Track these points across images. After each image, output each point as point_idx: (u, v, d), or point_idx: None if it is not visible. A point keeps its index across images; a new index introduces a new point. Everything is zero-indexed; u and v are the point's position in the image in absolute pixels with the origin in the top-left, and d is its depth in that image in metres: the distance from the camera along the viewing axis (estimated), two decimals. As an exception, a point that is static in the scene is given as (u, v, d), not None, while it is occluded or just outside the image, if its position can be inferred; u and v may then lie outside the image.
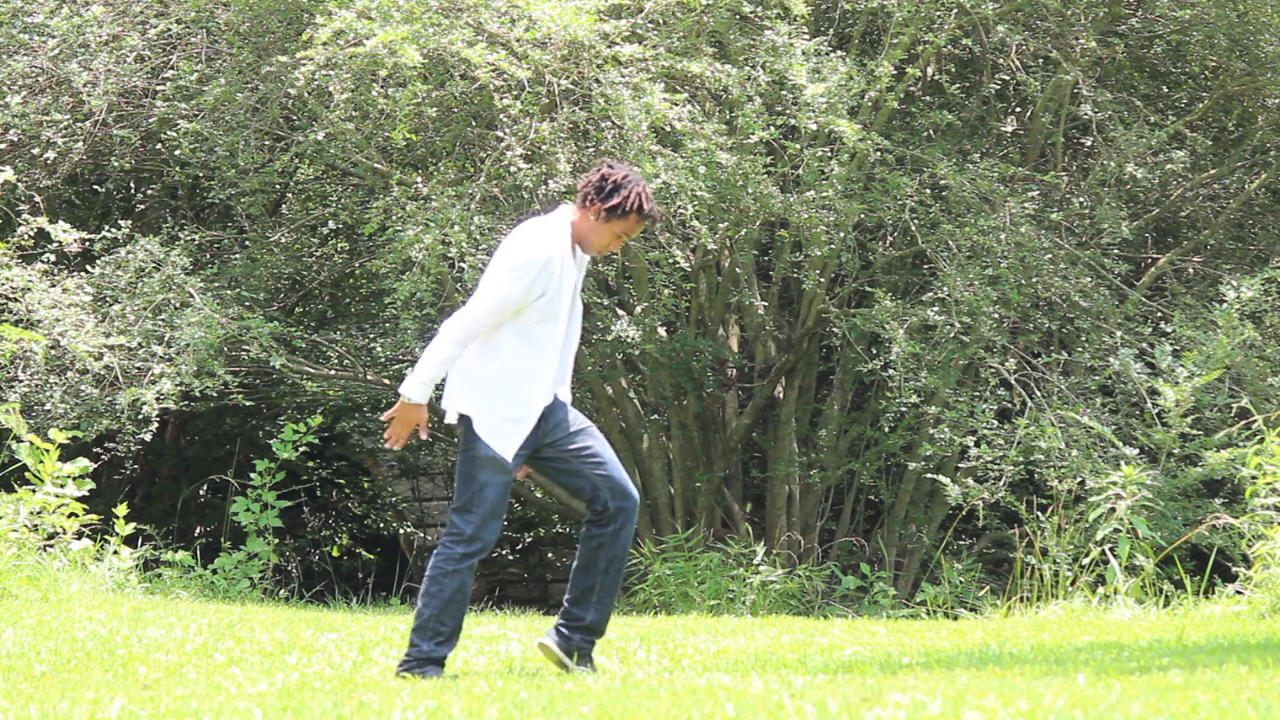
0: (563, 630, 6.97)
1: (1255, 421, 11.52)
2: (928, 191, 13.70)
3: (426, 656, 6.79)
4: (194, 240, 14.36)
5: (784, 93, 12.91)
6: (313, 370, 15.19)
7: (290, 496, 15.07)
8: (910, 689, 5.57)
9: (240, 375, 14.12)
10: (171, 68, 13.79)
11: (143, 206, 16.57)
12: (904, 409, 13.49)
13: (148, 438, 13.63)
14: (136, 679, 6.70)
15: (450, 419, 6.87)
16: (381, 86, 12.61)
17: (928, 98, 14.72)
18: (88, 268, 13.81)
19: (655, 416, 15.07)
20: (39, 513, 11.35)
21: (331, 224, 16.44)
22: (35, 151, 13.93)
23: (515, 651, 8.02)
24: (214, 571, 13.57)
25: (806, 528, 14.82)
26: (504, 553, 19.47)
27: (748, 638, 9.06)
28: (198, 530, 17.91)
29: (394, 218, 12.91)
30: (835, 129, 12.60)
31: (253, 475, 14.03)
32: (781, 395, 14.89)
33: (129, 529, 12.39)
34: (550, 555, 19.84)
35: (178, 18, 13.72)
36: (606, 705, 5.32)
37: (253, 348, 13.56)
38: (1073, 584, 11.22)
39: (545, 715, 5.22)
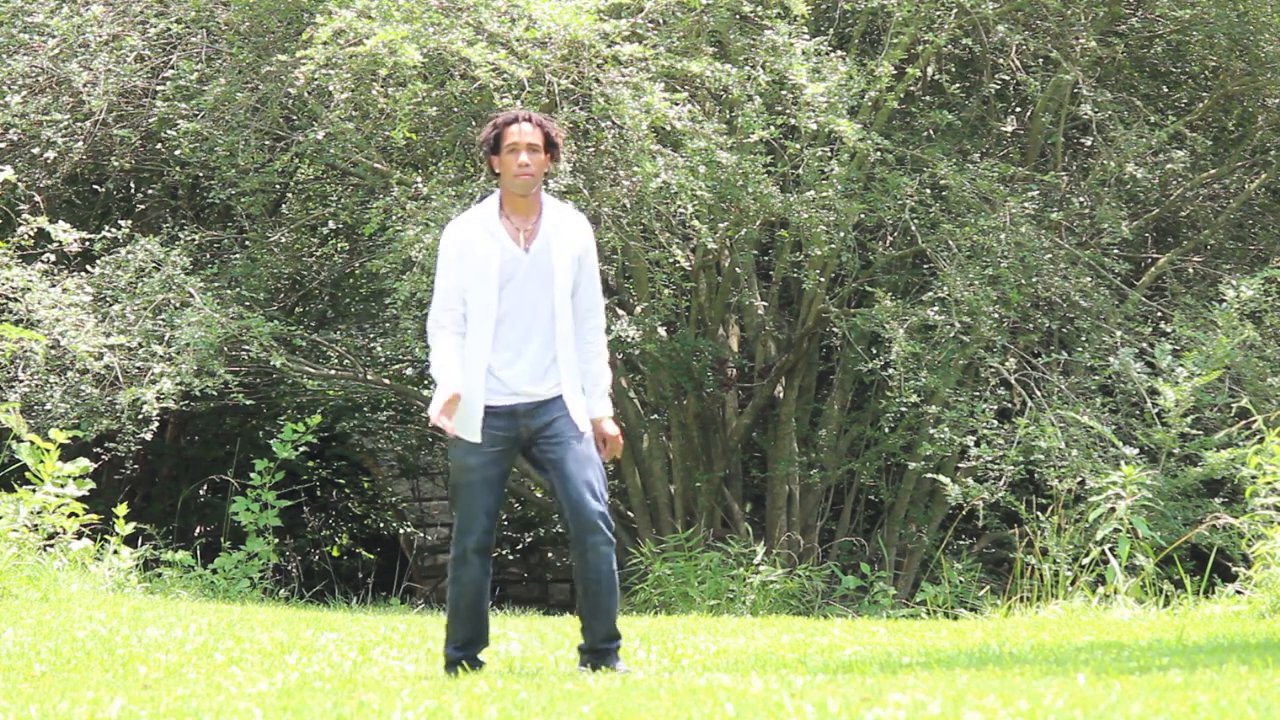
0: (581, 652, 7.01)
1: (1255, 421, 11.52)
2: (928, 191, 13.70)
3: (447, 658, 6.91)
4: (194, 240, 14.36)
5: (784, 92, 12.91)
6: (313, 370, 15.19)
7: (290, 496, 15.07)
8: (910, 689, 5.57)
9: (240, 375, 14.11)
10: (171, 68, 13.79)
11: (143, 206, 16.57)
12: (904, 409, 13.49)
13: (148, 437, 13.63)
14: (136, 679, 6.70)
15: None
16: (381, 86, 12.61)
17: (928, 98, 14.72)
18: (88, 268, 13.81)
19: (655, 416, 15.07)
20: (39, 513, 11.35)
21: (331, 224, 16.44)
22: (35, 151, 13.93)
23: (515, 651, 8.02)
24: (214, 571, 13.57)
25: (806, 528, 14.82)
26: (504, 553, 19.47)
27: (748, 638, 9.06)
28: (198, 530, 17.91)
29: (394, 218, 12.92)
30: (835, 129, 12.60)
31: (253, 475, 14.02)
32: (781, 395, 14.89)
33: (129, 529, 12.39)
34: (550, 555, 19.84)
35: (178, 18, 13.72)
36: (606, 705, 5.32)
37: (253, 347, 13.56)
38: (1073, 584, 11.22)
39: (545, 715, 5.22)
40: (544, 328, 6.82)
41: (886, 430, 14.27)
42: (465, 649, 6.90)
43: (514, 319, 6.80)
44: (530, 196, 6.85)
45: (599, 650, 6.92)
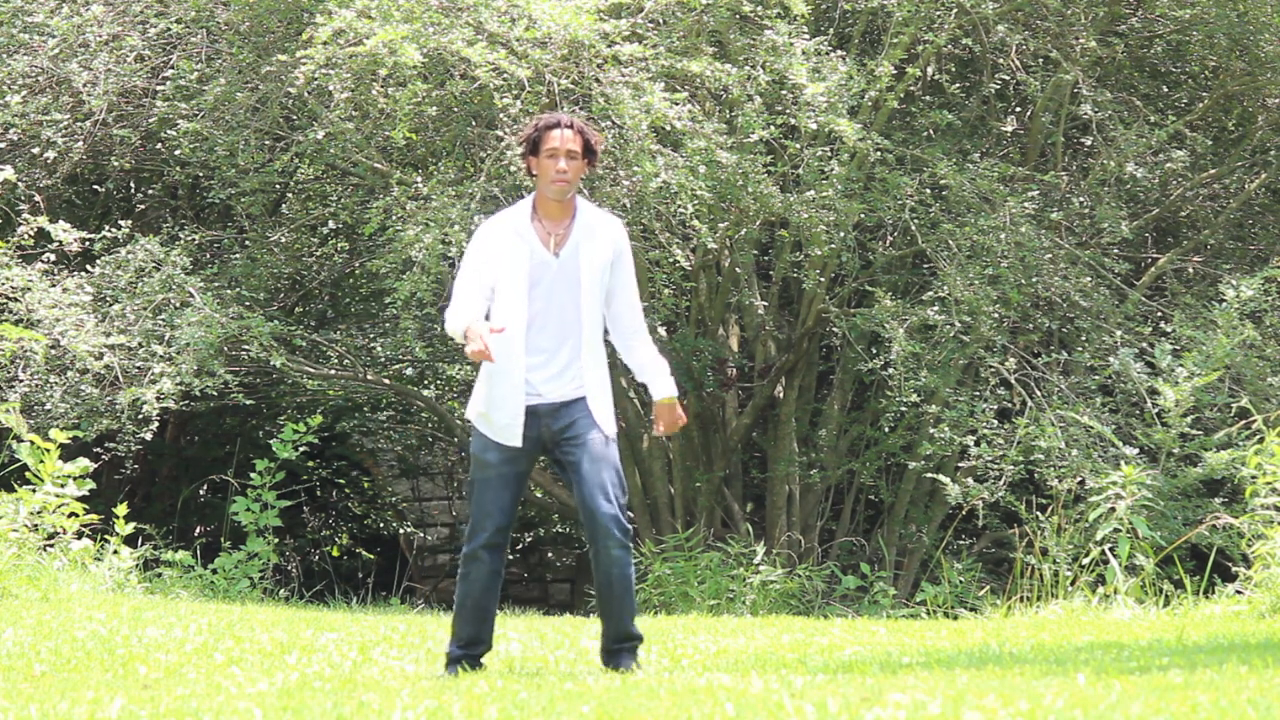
0: (601, 646, 7.00)
1: (1255, 421, 11.53)
2: (928, 191, 13.70)
3: (449, 656, 6.94)
4: (194, 240, 14.36)
5: (784, 92, 12.91)
6: (313, 370, 15.18)
7: (290, 496, 15.07)
8: (910, 689, 5.57)
9: (240, 375, 14.11)
10: (171, 67, 13.80)
11: (143, 206, 16.57)
12: (904, 408, 13.49)
13: (148, 437, 13.62)
14: (136, 679, 6.70)
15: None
16: (381, 86, 12.61)
17: (928, 98, 14.72)
18: (88, 267, 13.81)
19: (655, 416, 15.05)
20: (39, 513, 11.35)
21: (331, 224, 16.43)
22: (35, 151, 13.93)
23: (515, 651, 8.02)
24: (214, 571, 13.57)
25: (806, 527, 14.82)
26: (504, 552, 19.43)
27: (748, 638, 9.06)
28: (198, 530, 17.91)
29: (394, 218, 12.91)
30: (835, 129, 12.60)
31: (253, 475, 14.02)
32: (781, 395, 14.89)
33: (129, 529, 12.39)
34: (550, 555, 19.84)
35: (178, 17, 13.72)
36: (606, 705, 5.32)
37: (253, 347, 13.56)
38: (1073, 584, 11.22)
39: (545, 715, 5.22)
40: (573, 332, 6.82)
41: (886, 430, 14.27)
42: (468, 648, 6.90)
43: (543, 323, 6.80)
44: (565, 202, 6.83)
45: (611, 650, 6.91)
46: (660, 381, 6.99)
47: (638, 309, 6.99)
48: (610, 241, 6.86)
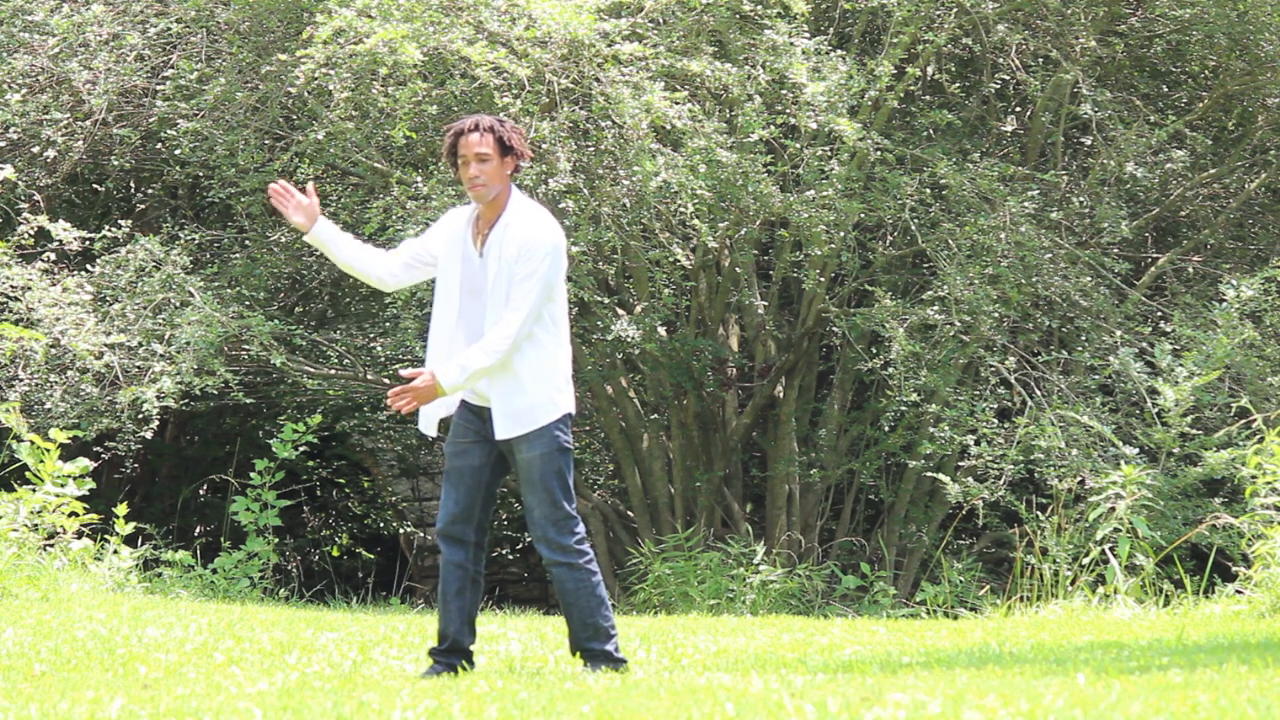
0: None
1: (1255, 421, 11.52)
2: (928, 191, 13.70)
3: (429, 652, 6.99)
4: (194, 240, 14.36)
5: (784, 92, 12.91)
6: (313, 369, 15.18)
7: (290, 496, 15.06)
8: (910, 689, 5.57)
9: (240, 374, 14.11)
10: (171, 67, 13.80)
11: (143, 206, 16.57)
12: (904, 408, 13.49)
13: (148, 437, 13.62)
14: (136, 679, 6.70)
15: None
16: (381, 85, 12.61)
17: (928, 97, 14.72)
18: (88, 267, 13.81)
19: (655, 416, 15.06)
20: (39, 512, 11.34)
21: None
22: (35, 150, 13.93)
23: (515, 651, 8.02)
24: (214, 571, 13.56)
25: (806, 527, 14.82)
26: (504, 552, 19.46)
27: (748, 637, 9.06)
28: (198, 530, 17.91)
29: (394, 218, 12.91)
30: (835, 128, 12.60)
31: (253, 475, 14.02)
32: (781, 395, 14.89)
33: (129, 529, 12.39)
34: (550, 555, 19.78)
35: (178, 17, 13.72)
36: (606, 705, 5.32)
37: (253, 346, 13.56)
38: (1073, 584, 11.22)
39: (545, 715, 5.22)
40: (464, 328, 6.87)
41: (886, 430, 14.27)
42: (441, 646, 6.90)
43: (469, 318, 6.84)
44: (492, 202, 6.82)
45: (579, 652, 6.96)
46: (449, 363, 6.75)
47: (517, 305, 6.71)
48: (518, 240, 6.74)
